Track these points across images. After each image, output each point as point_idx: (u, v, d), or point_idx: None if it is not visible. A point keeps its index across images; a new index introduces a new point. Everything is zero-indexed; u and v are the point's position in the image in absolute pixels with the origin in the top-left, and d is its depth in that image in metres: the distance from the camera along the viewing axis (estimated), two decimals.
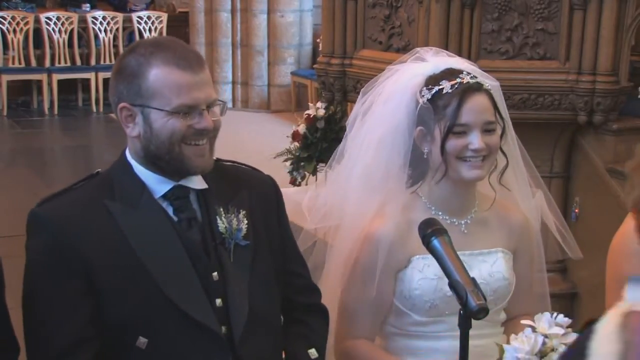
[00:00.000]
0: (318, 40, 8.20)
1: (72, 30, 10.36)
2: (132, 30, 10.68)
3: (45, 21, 10.21)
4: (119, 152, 1.98)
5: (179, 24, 10.83)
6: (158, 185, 1.91)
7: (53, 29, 10.24)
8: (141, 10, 11.30)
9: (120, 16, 10.68)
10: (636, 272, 1.49)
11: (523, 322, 1.90)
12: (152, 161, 1.89)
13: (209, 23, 10.07)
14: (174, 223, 1.90)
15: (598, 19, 3.23)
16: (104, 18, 10.54)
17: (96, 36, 10.55)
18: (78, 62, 10.51)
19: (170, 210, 1.91)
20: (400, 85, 2.13)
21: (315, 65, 4.24)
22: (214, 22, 10.01)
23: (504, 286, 2.16)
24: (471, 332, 1.73)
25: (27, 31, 10.20)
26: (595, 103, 3.28)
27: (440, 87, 2.05)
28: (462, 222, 2.15)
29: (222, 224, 1.92)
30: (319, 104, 4.94)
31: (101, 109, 10.28)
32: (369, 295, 2.10)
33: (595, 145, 3.43)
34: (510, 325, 2.20)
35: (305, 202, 2.35)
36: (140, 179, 1.91)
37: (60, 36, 10.27)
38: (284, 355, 2.06)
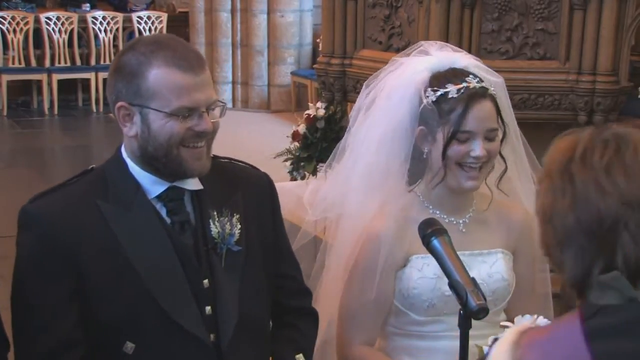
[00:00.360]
0: (318, 40, 8.20)
1: (72, 30, 10.36)
2: (132, 30, 10.67)
3: (45, 21, 10.21)
4: None
5: (179, 24, 10.82)
6: (152, 185, 1.88)
7: (53, 29, 10.24)
8: (141, 10, 11.30)
9: (120, 16, 10.68)
10: None
11: (503, 323, 1.90)
12: (149, 162, 1.86)
13: (209, 23, 10.07)
14: (167, 226, 1.87)
15: (598, 19, 3.23)
16: (104, 18, 10.54)
17: (96, 36, 10.55)
18: (78, 62, 10.51)
19: (163, 212, 1.88)
20: (404, 79, 2.11)
21: (315, 65, 4.24)
22: (214, 22, 10.01)
23: (502, 287, 2.16)
24: (470, 332, 1.73)
25: (27, 31, 10.20)
26: (596, 103, 3.28)
27: (446, 90, 2.04)
28: (461, 221, 2.15)
29: (215, 228, 1.89)
30: (319, 104, 4.93)
31: (101, 109, 10.27)
32: (371, 295, 2.10)
33: None
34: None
35: (306, 196, 2.34)
36: (135, 178, 1.88)
37: (60, 36, 10.27)
38: None
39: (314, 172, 5.03)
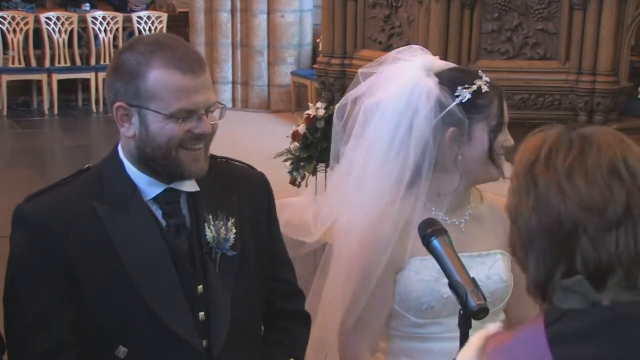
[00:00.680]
0: (318, 40, 8.21)
1: (72, 30, 10.36)
2: (132, 30, 10.66)
3: (45, 21, 10.21)
4: None
5: (179, 24, 10.83)
6: (149, 187, 1.85)
7: (53, 29, 10.24)
8: (141, 10, 11.30)
9: (120, 16, 10.68)
10: None
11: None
12: (146, 162, 1.83)
13: (209, 23, 10.07)
14: (162, 229, 1.85)
15: (598, 19, 3.24)
16: (103, 18, 10.53)
17: (96, 36, 10.55)
18: (78, 62, 10.51)
19: (159, 214, 1.86)
20: (404, 85, 2.07)
21: (315, 65, 4.24)
22: (214, 22, 10.01)
23: (501, 288, 2.15)
24: (470, 332, 1.72)
25: (27, 31, 10.20)
26: (595, 103, 3.28)
27: (478, 85, 2.04)
28: (462, 220, 2.15)
29: (210, 232, 1.87)
30: (319, 104, 4.94)
31: (101, 109, 10.26)
32: (373, 299, 2.09)
33: None
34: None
35: (312, 220, 2.31)
36: (132, 179, 1.85)
37: (60, 36, 10.27)
38: None
39: (314, 172, 5.03)
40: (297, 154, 5.03)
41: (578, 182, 1.26)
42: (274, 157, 5.14)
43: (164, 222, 1.86)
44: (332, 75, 3.91)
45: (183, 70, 1.76)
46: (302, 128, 5.00)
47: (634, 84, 3.48)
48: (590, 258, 1.26)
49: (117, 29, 10.58)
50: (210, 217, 1.89)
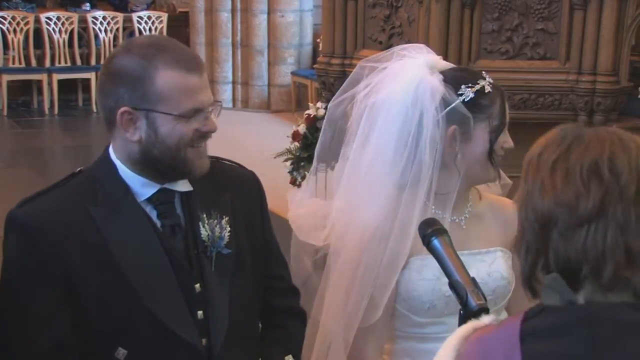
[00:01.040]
0: (318, 40, 8.21)
1: (72, 30, 10.37)
2: (132, 30, 10.67)
3: (46, 21, 10.22)
4: None
5: (179, 24, 10.84)
6: (143, 188, 1.85)
7: (53, 29, 10.25)
8: (142, 10, 11.30)
9: (120, 16, 10.69)
10: None
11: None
12: (149, 165, 1.82)
13: (209, 23, 10.08)
14: (157, 230, 1.85)
15: (598, 19, 3.24)
16: (104, 18, 10.54)
17: (96, 36, 10.56)
18: (78, 62, 10.53)
19: (154, 215, 1.86)
20: (406, 84, 2.06)
21: (315, 65, 4.24)
22: (214, 22, 10.01)
23: (502, 285, 2.15)
24: None
25: (27, 31, 10.21)
26: (596, 103, 3.28)
27: (481, 85, 2.04)
28: (462, 218, 2.15)
29: (204, 231, 1.88)
30: (319, 104, 4.94)
31: None
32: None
33: None
34: None
35: (321, 222, 2.30)
36: (125, 181, 1.84)
37: (61, 36, 10.28)
38: None
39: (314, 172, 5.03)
40: (298, 154, 5.03)
41: (557, 178, 1.28)
42: (274, 157, 5.14)
43: (159, 223, 1.86)
44: (332, 75, 3.91)
45: (188, 69, 1.78)
46: (302, 128, 5.00)
47: (634, 84, 3.48)
48: (561, 254, 1.27)
49: (117, 29, 10.59)
50: (204, 216, 1.89)
